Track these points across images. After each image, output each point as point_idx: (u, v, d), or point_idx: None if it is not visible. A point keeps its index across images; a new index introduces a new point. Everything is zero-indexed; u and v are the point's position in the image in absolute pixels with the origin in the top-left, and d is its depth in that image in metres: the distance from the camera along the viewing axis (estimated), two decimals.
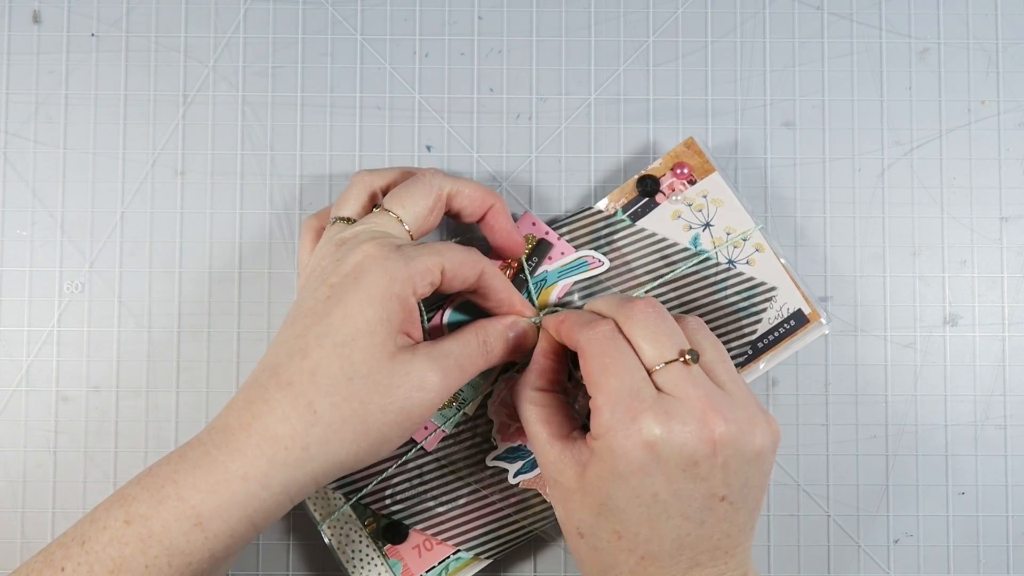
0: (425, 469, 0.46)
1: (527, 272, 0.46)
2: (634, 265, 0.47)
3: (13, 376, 0.48)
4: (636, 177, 0.47)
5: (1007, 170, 0.49)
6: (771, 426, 0.39)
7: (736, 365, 0.46)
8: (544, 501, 0.46)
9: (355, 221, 0.41)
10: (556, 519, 0.45)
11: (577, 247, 0.47)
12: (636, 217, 0.47)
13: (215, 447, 0.37)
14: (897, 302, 0.49)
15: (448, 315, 0.45)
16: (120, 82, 0.49)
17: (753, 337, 0.46)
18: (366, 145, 0.49)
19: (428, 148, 0.49)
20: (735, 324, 0.46)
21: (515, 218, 0.46)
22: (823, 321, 0.46)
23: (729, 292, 0.46)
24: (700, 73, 0.50)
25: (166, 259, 0.49)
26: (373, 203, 0.43)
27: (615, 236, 0.47)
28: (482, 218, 0.44)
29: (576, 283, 0.46)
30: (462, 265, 0.40)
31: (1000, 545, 0.48)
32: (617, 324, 0.39)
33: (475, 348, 0.41)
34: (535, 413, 0.40)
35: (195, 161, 0.49)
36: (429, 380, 0.38)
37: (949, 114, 0.49)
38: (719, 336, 0.46)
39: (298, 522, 0.48)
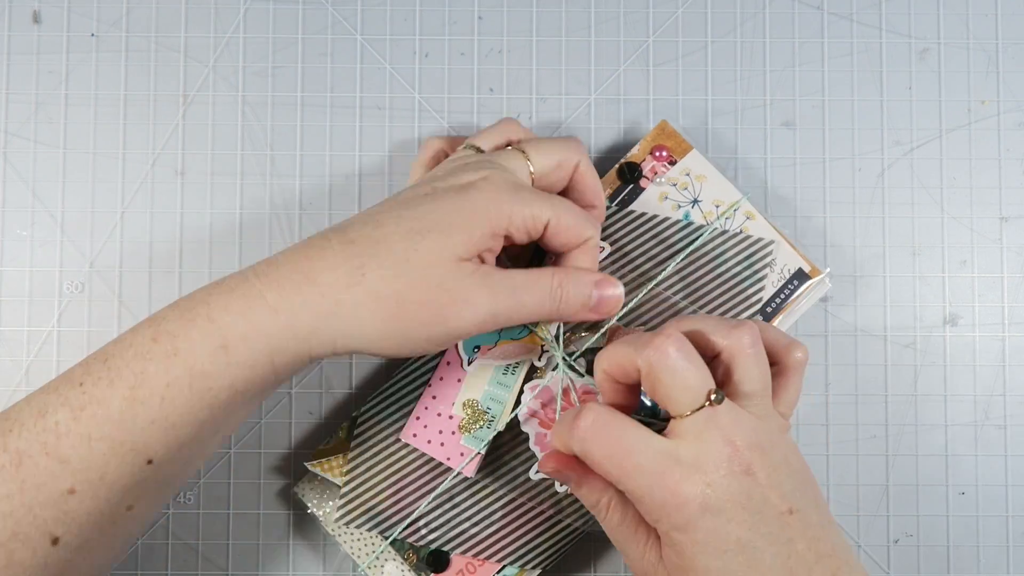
0: (455, 492, 0.45)
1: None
2: (629, 249, 0.46)
3: (13, 376, 0.48)
4: (616, 166, 0.47)
5: (1007, 170, 0.49)
6: (784, 433, 0.38)
7: None
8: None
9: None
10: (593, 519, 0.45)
11: None
12: (624, 205, 0.47)
13: (255, 275, 0.37)
14: (897, 302, 0.49)
15: (463, 346, 0.46)
16: (120, 82, 0.49)
17: (760, 303, 0.46)
18: (366, 145, 0.49)
19: None
20: (740, 293, 0.46)
21: None
22: (825, 278, 0.46)
23: (729, 260, 0.46)
24: (700, 73, 0.50)
25: (166, 259, 0.49)
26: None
27: (607, 224, 0.46)
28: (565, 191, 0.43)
29: None
30: (569, 229, 0.39)
31: (1000, 545, 0.48)
32: (631, 366, 0.38)
33: (544, 290, 0.39)
34: (624, 530, 0.39)
35: (195, 161, 0.49)
36: (477, 298, 0.37)
37: (949, 114, 0.49)
38: (727, 308, 0.46)
39: (299, 521, 0.48)
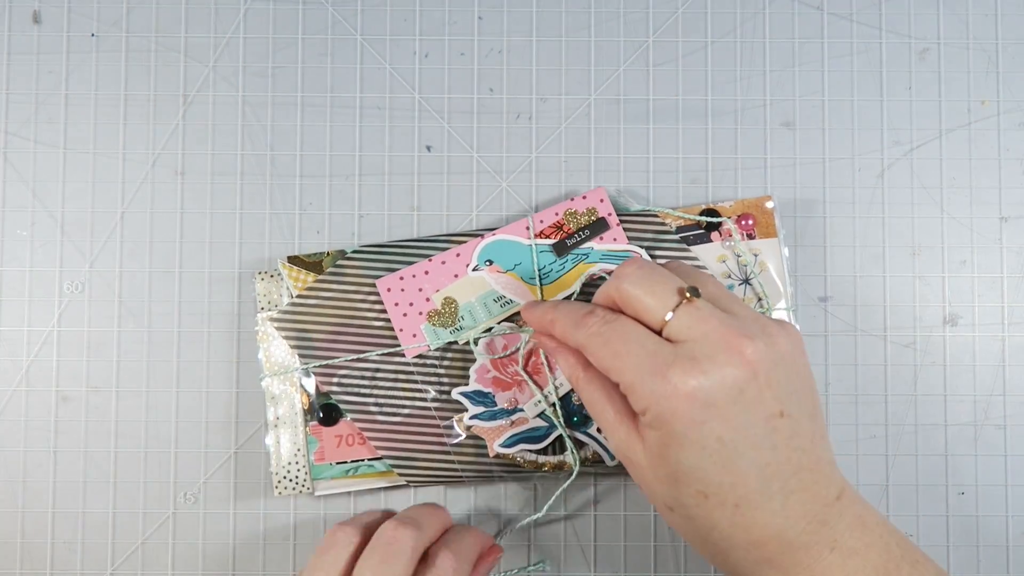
0: (381, 371, 0.46)
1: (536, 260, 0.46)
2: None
3: (13, 376, 0.48)
4: (703, 207, 0.47)
5: (1007, 170, 0.49)
6: (788, 330, 0.38)
7: None
8: (480, 454, 0.46)
9: None
10: (483, 474, 0.46)
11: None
12: (683, 238, 0.47)
13: None
14: (897, 302, 0.49)
15: (480, 251, 0.46)
16: (120, 82, 0.49)
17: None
18: (366, 145, 0.49)
19: (428, 148, 0.49)
20: None
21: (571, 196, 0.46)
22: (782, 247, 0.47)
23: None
24: (700, 73, 0.50)
25: (166, 259, 0.49)
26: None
27: (658, 247, 0.47)
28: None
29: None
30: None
31: (999, 545, 0.48)
32: (612, 299, 0.39)
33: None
34: (597, 393, 0.40)
35: (195, 161, 0.49)
36: None
37: (949, 114, 0.49)
38: None
39: (302, 521, 0.48)
